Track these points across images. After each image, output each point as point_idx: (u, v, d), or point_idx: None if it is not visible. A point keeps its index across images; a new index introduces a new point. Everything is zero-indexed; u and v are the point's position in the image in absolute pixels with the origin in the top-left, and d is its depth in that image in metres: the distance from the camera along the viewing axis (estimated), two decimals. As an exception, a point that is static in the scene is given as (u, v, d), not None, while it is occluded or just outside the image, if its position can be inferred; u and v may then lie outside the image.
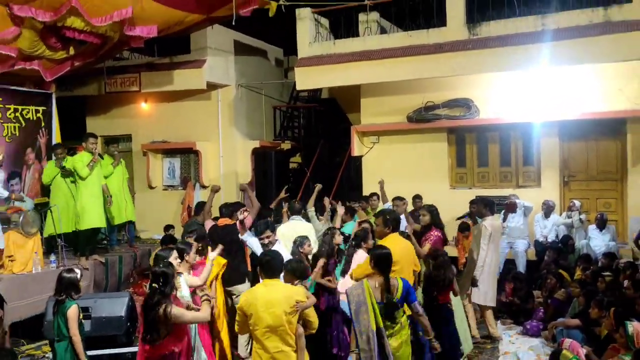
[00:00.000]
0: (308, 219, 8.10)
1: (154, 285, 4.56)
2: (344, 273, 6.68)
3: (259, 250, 6.96)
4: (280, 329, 4.50)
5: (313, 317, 4.84)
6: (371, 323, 4.80)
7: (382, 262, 5.04)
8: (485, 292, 7.65)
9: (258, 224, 7.32)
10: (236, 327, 4.83)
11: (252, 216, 7.35)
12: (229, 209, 7.79)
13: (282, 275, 5.00)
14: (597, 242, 9.51)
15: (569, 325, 6.92)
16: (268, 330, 4.50)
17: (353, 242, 7.04)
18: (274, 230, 7.08)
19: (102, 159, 9.53)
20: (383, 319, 4.88)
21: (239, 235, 7.15)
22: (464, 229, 8.42)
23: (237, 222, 7.07)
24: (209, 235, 6.96)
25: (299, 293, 4.75)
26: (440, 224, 7.47)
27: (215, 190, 8.45)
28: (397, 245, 5.65)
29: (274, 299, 4.53)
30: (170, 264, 4.90)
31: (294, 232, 7.03)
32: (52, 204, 9.16)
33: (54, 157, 9.51)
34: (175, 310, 4.50)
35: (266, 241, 6.75)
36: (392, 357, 4.84)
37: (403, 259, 5.63)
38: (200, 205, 9.10)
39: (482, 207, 7.79)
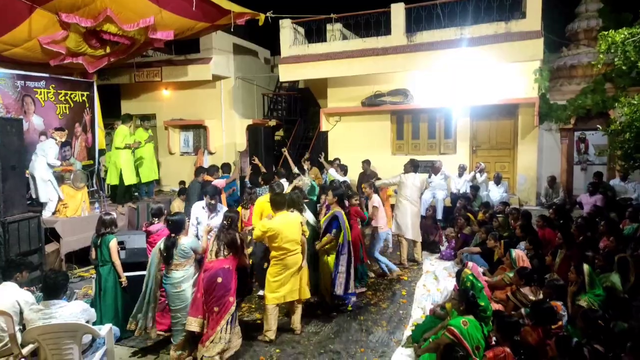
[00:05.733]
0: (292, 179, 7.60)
1: (225, 223, 4.68)
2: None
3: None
4: (296, 238, 5.01)
5: (306, 231, 5.29)
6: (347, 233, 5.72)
7: (340, 197, 5.84)
8: (410, 230, 7.57)
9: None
10: (256, 236, 4.98)
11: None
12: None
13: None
14: (494, 193, 9.70)
15: (472, 252, 7.03)
16: (289, 240, 4.94)
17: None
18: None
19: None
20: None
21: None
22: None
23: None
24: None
25: (300, 217, 5.21)
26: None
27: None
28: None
29: (290, 222, 5.01)
30: (237, 212, 5.24)
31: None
32: (108, 164, 8.94)
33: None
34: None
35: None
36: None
37: None
38: (200, 170, 8.12)
39: (408, 165, 7.62)
